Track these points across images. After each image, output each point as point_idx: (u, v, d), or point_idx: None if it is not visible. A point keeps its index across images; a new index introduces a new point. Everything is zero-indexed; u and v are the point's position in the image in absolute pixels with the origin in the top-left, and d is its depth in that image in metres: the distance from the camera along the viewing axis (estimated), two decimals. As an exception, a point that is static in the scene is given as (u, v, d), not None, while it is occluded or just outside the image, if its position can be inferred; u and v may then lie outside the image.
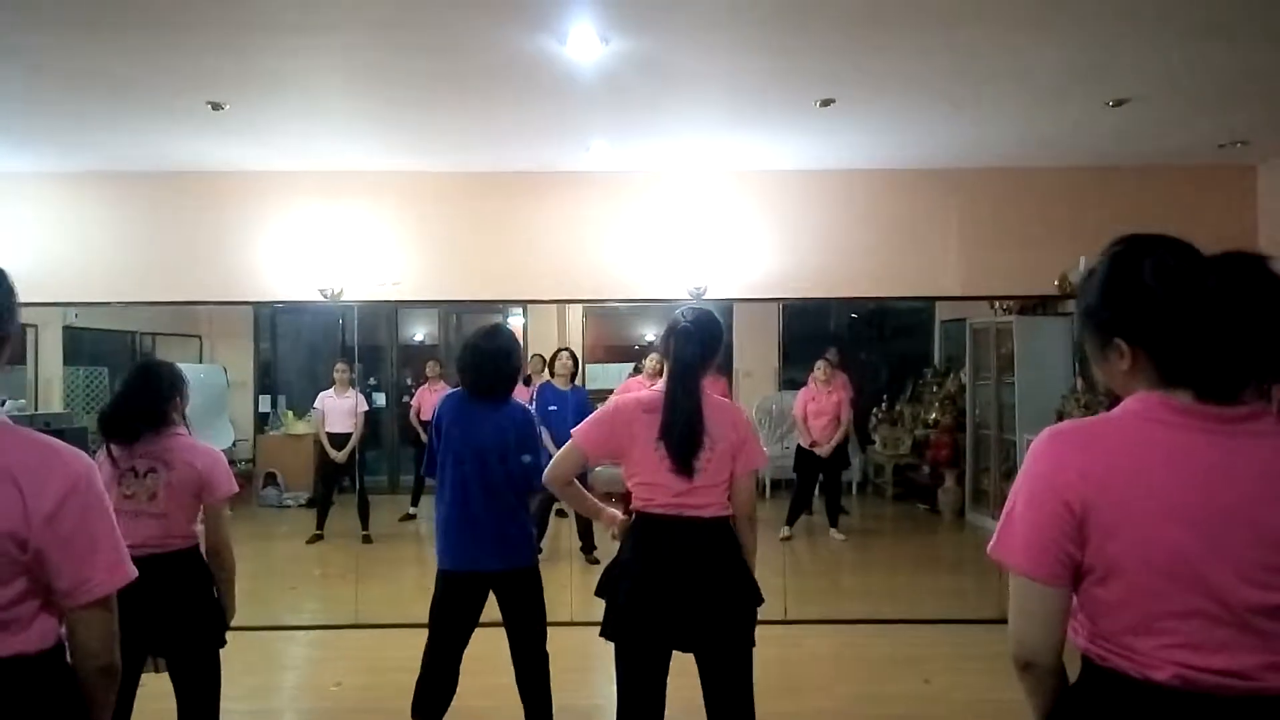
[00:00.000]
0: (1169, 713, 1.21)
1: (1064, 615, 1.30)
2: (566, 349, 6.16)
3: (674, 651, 2.55)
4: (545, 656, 3.37)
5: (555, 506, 6.17)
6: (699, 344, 2.54)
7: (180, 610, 2.65)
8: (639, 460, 2.52)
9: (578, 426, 2.64)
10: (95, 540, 1.41)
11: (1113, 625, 1.26)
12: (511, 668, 3.32)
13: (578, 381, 6.25)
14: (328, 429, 6.52)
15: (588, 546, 5.91)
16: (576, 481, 2.74)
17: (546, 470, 2.67)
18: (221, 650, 2.77)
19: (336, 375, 6.61)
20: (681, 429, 2.46)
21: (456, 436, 3.20)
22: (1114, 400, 1.38)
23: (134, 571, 1.47)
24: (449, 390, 3.46)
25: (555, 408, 5.88)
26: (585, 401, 5.91)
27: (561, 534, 6.31)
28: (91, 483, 1.42)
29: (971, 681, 4.20)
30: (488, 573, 3.25)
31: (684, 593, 2.46)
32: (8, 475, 1.34)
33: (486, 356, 3.20)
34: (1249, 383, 1.24)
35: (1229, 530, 1.19)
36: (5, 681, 1.37)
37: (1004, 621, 4.10)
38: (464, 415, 3.22)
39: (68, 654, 1.46)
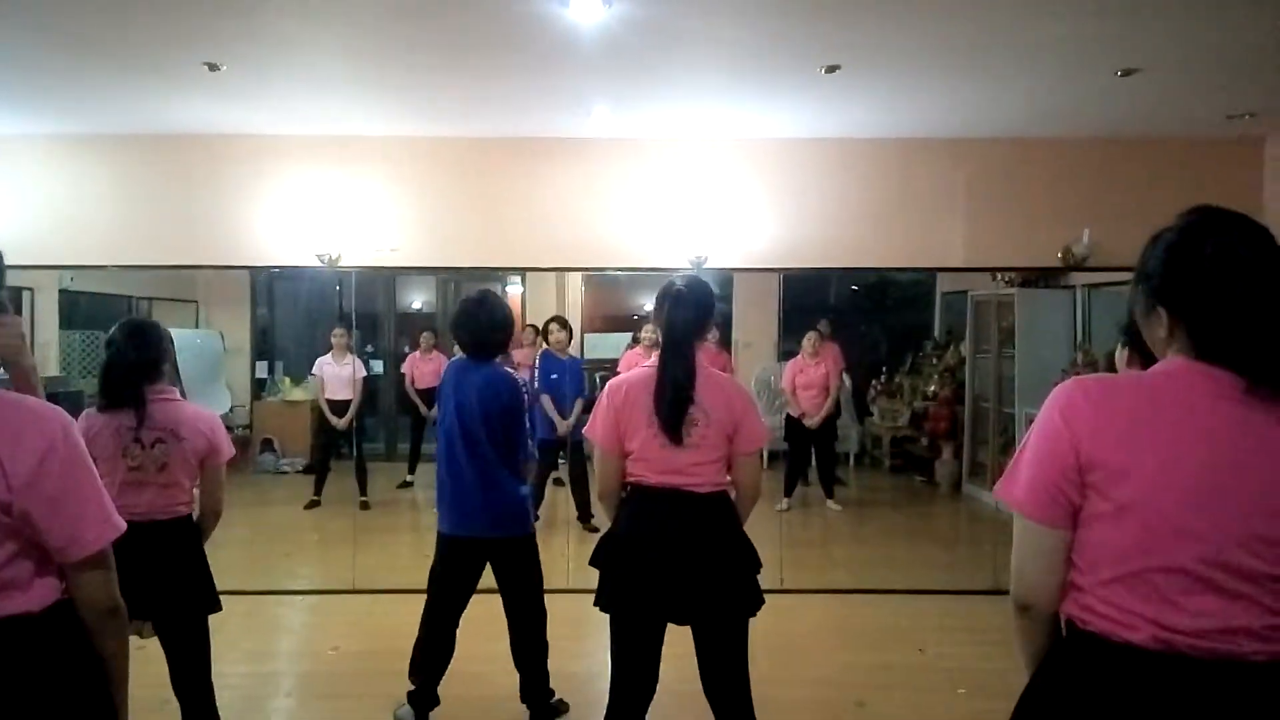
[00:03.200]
0: (1145, 674, 1.23)
1: (1063, 558, 1.33)
2: (555, 318, 6.13)
3: (671, 621, 2.55)
4: (542, 625, 3.40)
5: (553, 475, 6.19)
6: (692, 308, 2.52)
7: (178, 575, 2.65)
8: (632, 435, 2.51)
9: (589, 428, 2.60)
10: (82, 497, 1.40)
11: (1100, 575, 1.27)
12: (508, 634, 3.36)
13: (574, 351, 6.25)
14: (327, 396, 6.50)
15: (584, 515, 5.93)
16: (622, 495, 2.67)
17: (599, 486, 2.64)
18: (216, 614, 2.77)
19: (334, 341, 6.58)
20: (671, 395, 2.45)
21: (448, 399, 3.28)
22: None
23: (122, 524, 1.47)
24: (443, 359, 3.54)
25: (556, 375, 5.90)
26: (580, 370, 5.91)
27: (559, 502, 6.33)
28: (69, 437, 1.40)
29: (965, 651, 4.23)
30: (483, 539, 3.29)
31: (677, 567, 2.45)
32: None
33: (473, 317, 3.31)
34: None
35: (1229, 493, 1.20)
36: (12, 641, 1.37)
37: (998, 593, 4.17)
38: (457, 382, 3.30)
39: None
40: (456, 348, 3.44)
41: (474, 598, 3.46)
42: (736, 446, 2.51)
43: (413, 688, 3.43)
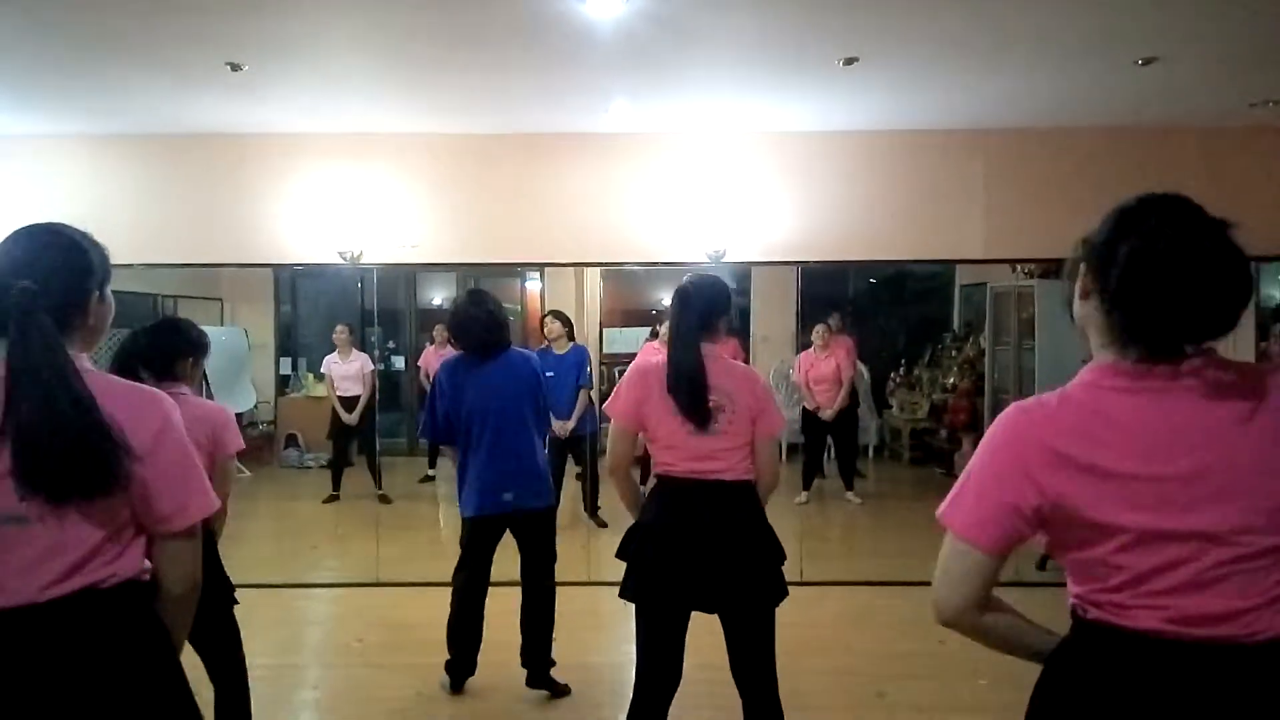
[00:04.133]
0: (1159, 662, 1.24)
1: (989, 584, 1.34)
2: (550, 312, 6.09)
3: (694, 611, 2.58)
4: (552, 593, 3.60)
5: (576, 471, 6.20)
6: (697, 310, 2.56)
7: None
8: (658, 423, 2.54)
9: (609, 404, 2.65)
10: (188, 470, 1.51)
11: (1099, 584, 1.28)
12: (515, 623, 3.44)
13: (581, 341, 6.23)
14: (338, 393, 6.60)
15: (591, 507, 5.96)
16: (633, 474, 2.76)
17: (606, 460, 2.68)
18: (240, 607, 2.82)
19: (336, 339, 6.67)
20: (687, 385, 2.49)
21: (470, 395, 3.45)
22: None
23: (218, 501, 1.58)
24: (440, 345, 3.67)
25: (552, 374, 5.81)
26: (584, 359, 5.86)
27: (578, 496, 6.36)
28: (176, 414, 1.52)
29: (986, 643, 4.23)
30: (512, 514, 3.50)
31: (706, 555, 2.48)
32: (110, 416, 1.41)
33: (475, 319, 3.49)
34: (1194, 340, 1.24)
35: (1194, 489, 1.20)
36: (111, 605, 1.44)
37: (1018, 584, 4.15)
38: (470, 375, 3.48)
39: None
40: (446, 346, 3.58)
41: (490, 591, 3.53)
42: (755, 432, 2.55)
43: (449, 657, 3.61)
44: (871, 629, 4.46)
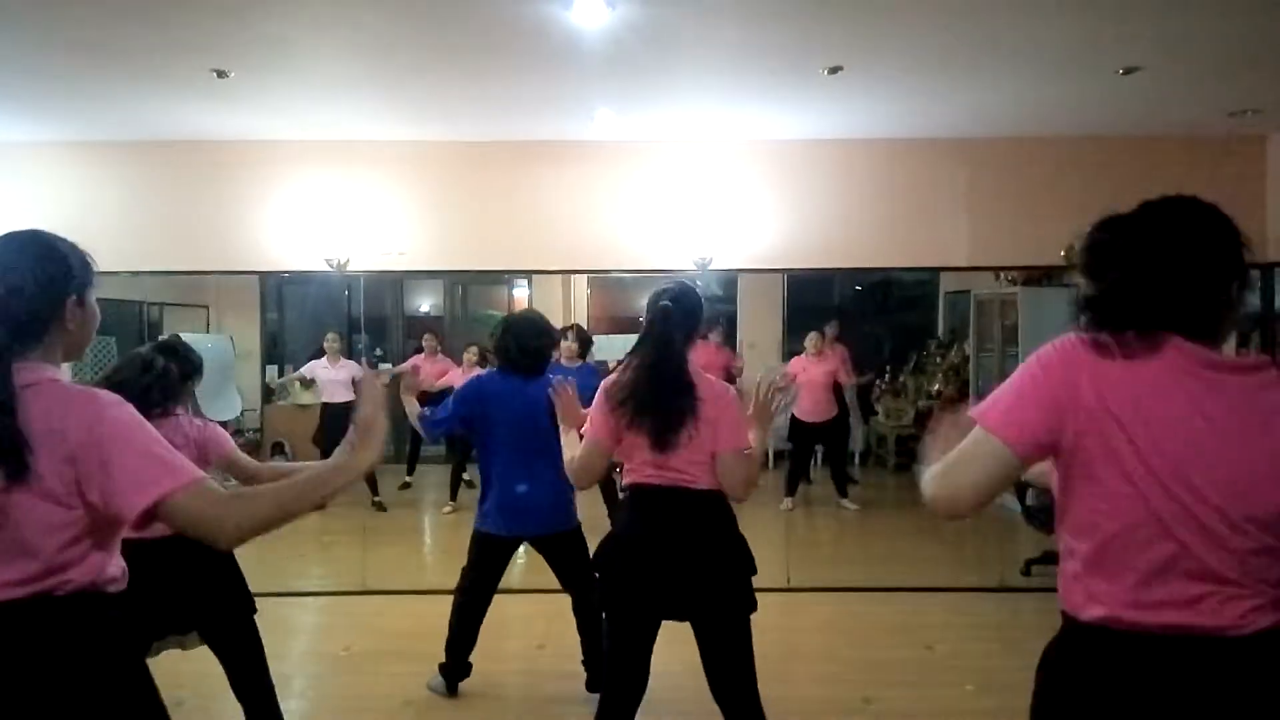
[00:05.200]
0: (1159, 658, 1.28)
1: (1002, 484, 1.38)
2: (571, 326, 6.10)
3: (667, 620, 2.58)
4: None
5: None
6: (681, 324, 2.53)
7: (208, 586, 2.68)
8: (629, 435, 2.53)
9: (587, 424, 2.63)
10: (135, 453, 1.44)
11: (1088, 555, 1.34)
12: (515, 633, 3.42)
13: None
14: (326, 398, 6.59)
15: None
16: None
17: (575, 475, 2.65)
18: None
19: (327, 346, 6.66)
20: (665, 413, 2.46)
21: (511, 414, 3.47)
22: None
23: (192, 472, 1.46)
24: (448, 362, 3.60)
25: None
26: (589, 380, 5.85)
27: (592, 502, 6.33)
28: (117, 412, 1.46)
29: (973, 648, 4.24)
30: (542, 536, 3.55)
31: (673, 562, 2.47)
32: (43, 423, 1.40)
33: (528, 337, 3.51)
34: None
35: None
36: (65, 612, 1.43)
37: (1005, 590, 4.18)
38: (513, 393, 3.47)
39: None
40: (471, 359, 3.54)
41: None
42: (716, 444, 2.50)
43: (447, 661, 3.62)
44: (858, 635, 4.47)
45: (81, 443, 1.39)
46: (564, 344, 5.92)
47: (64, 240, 1.58)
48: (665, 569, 2.48)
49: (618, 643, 2.57)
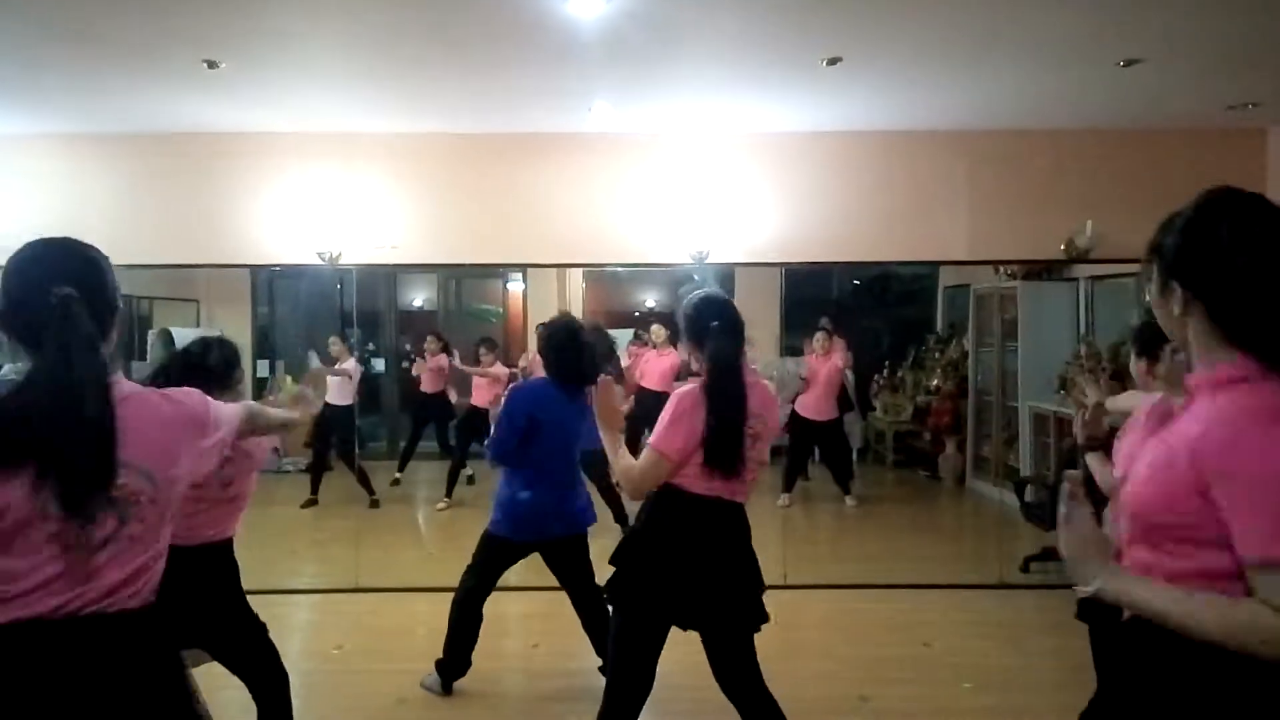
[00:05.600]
0: None
1: None
2: (595, 327, 6.05)
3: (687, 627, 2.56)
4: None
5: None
6: (737, 327, 2.52)
7: (215, 603, 2.61)
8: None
9: (665, 440, 2.42)
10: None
11: None
12: (510, 632, 3.38)
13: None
14: (331, 401, 6.57)
15: (620, 516, 5.78)
16: None
17: (639, 488, 2.47)
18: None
19: (334, 351, 6.64)
20: (729, 437, 2.41)
21: (562, 427, 3.47)
22: (1118, 369, 1.39)
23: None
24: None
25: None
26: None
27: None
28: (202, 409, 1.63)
29: (971, 645, 4.22)
30: (549, 540, 3.55)
31: (711, 574, 2.45)
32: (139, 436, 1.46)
33: (578, 351, 3.46)
34: None
35: None
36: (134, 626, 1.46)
37: (1003, 587, 4.14)
38: (563, 408, 3.46)
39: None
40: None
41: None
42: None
43: (445, 658, 3.60)
44: (856, 633, 4.44)
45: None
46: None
47: (98, 250, 1.55)
48: (689, 578, 2.45)
49: (636, 646, 2.52)
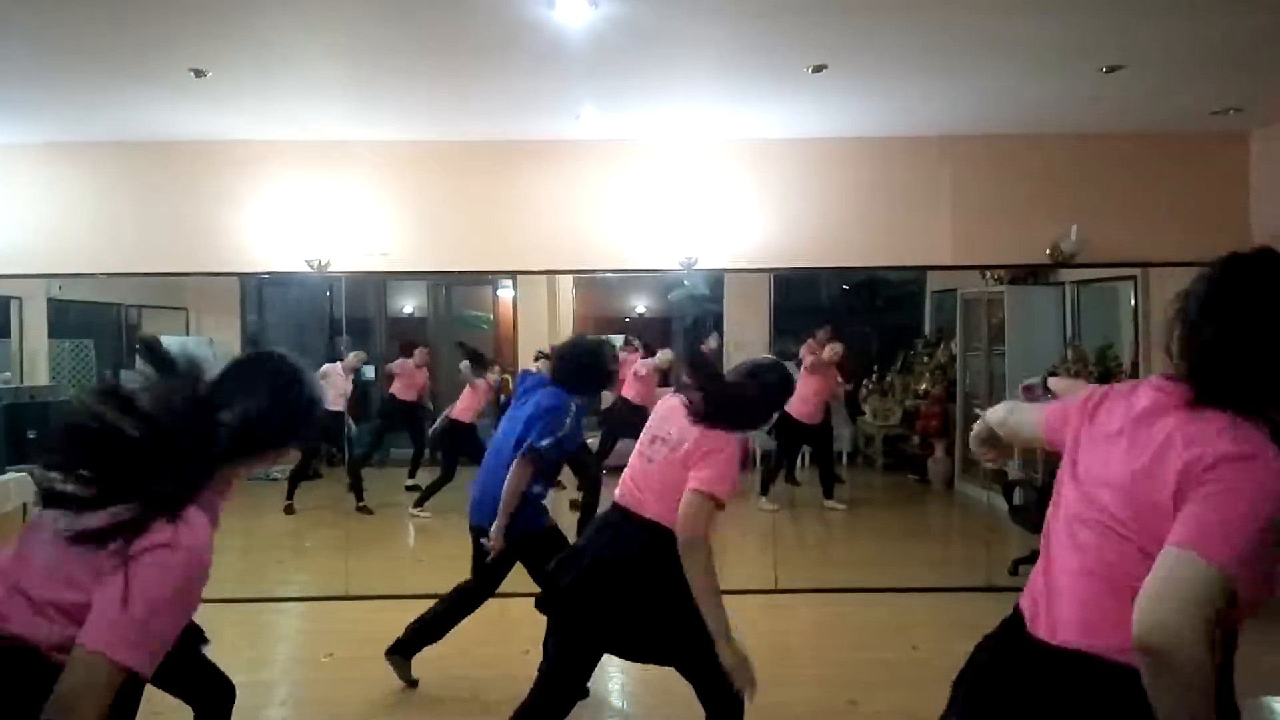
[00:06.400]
0: None
1: None
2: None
3: None
4: None
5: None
6: None
7: None
8: None
9: (730, 482, 2.43)
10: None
11: None
12: (498, 639, 3.39)
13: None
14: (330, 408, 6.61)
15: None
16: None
17: (694, 536, 2.40)
18: (211, 621, 2.74)
19: (355, 361, 6.68)
20: None
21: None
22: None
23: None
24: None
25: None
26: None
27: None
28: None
29: (958, 648, 4.19)
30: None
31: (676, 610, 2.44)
32: None
33: (600, 367, 3.68)
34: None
35: None
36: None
37: (991, 589, 4.15)
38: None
39: None
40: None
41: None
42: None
43: (408, 639, 3.70)
44: (844, 636, 4.45)
45: None
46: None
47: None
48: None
49: (581, 661, 2.58)
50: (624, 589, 2.46)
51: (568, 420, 3.49)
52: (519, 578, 3.91)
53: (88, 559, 1.37)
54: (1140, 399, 1.42)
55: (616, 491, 2.62)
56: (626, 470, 2.63)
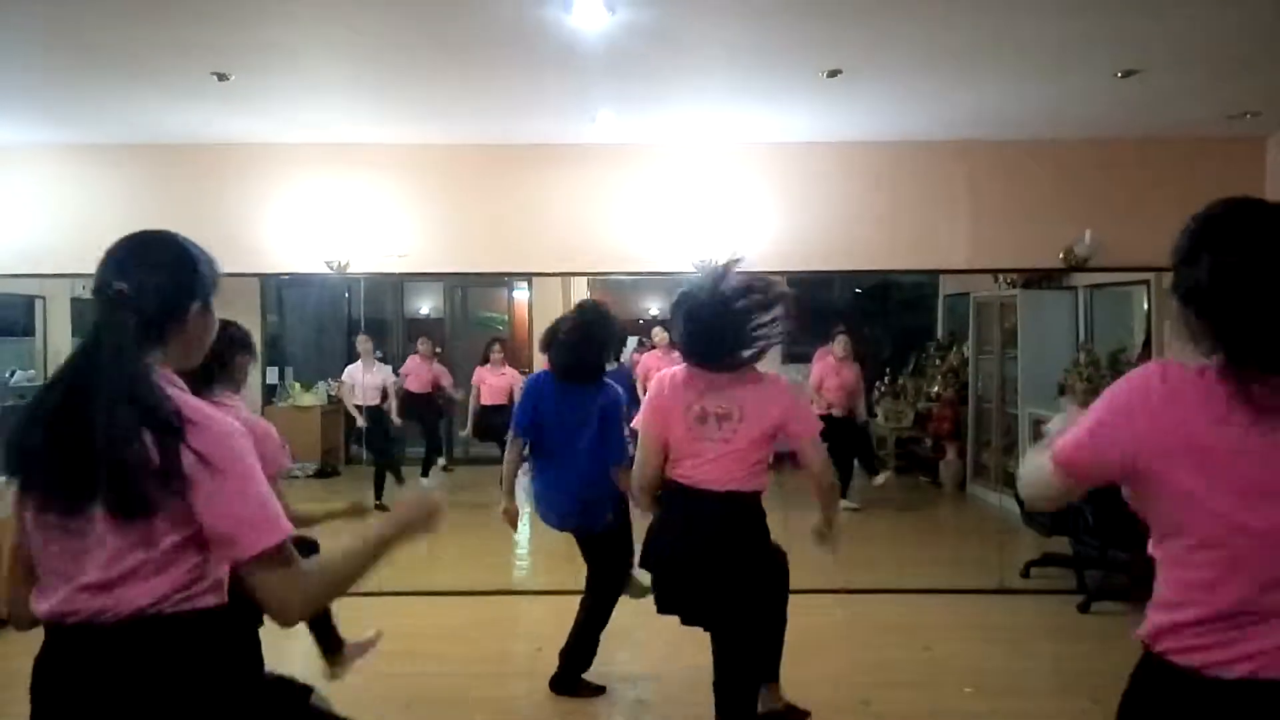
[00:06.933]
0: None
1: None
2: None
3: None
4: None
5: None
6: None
7: None
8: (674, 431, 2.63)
9: (639, 418, 2.75)
10: (248, 500, 1.42)
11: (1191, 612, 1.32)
12: (515, 635, 3.42)
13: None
14: (359, 402, 6.71)
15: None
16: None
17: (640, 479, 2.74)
18: None
19: (360, 349, 6.74)
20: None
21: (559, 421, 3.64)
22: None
23: (288, 526, 1.45)
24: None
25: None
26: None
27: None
28: (245, 446, 1.45)
29: (971, 650, 4.25)
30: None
31: (692, 569, 2.51)
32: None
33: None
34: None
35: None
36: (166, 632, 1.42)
37: (1004, 592, 4.19)
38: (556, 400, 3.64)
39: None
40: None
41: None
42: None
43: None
44: (857, 637, 4.48)
45: (210, 476, 1.37)
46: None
47: (196, 244, 1.58)
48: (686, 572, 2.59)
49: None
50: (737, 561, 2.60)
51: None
52: (526, 577, 3.95)
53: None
54: (1222, 392, 1.29)
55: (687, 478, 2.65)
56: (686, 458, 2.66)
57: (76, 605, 1.39)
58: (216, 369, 2.57)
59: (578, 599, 3.76)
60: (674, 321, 2.65)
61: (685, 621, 2.60)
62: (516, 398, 3.92)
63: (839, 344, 6.79)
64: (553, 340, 3.58)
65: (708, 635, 2.66)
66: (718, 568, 2.52)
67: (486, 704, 3.66)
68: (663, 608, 2.61)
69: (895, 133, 5.45)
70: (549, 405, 3.55)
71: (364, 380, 6.73)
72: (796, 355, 6.75)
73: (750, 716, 2.61)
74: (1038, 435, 6.46)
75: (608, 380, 3.66)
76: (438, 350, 7.31)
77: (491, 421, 6.63)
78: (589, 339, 3.56)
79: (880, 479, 6.99)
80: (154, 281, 1.46)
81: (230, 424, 1.42)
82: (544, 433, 3.57)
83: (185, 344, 1.52)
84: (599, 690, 3.65)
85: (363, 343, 6.74)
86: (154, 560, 1.38)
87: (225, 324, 2.73)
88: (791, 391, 2.71)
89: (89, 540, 1.37)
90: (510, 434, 3.62)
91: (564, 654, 3.65)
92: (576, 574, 3.88)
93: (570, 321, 3.60)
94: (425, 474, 7.25)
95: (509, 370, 6.88)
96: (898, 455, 7.94)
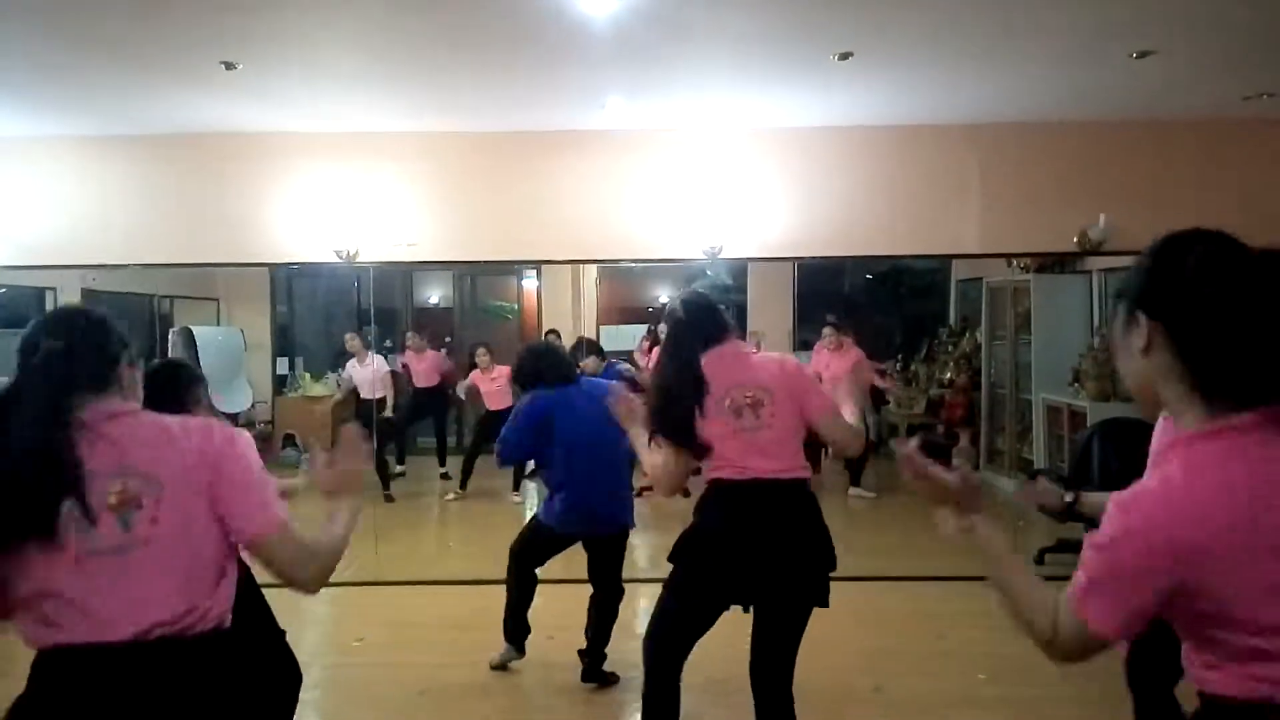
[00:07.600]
0: None
1: None
2: (580, 343, 6.20)
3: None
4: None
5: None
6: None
7: None
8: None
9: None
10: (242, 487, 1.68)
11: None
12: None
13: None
14: (365, 396, 6.78)
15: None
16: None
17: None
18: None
19: (349, 346, 6.77)
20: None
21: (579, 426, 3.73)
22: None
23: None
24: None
25: None
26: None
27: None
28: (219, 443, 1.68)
29: (985, 637, 4.24)
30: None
31: (754, 553, 2.54)
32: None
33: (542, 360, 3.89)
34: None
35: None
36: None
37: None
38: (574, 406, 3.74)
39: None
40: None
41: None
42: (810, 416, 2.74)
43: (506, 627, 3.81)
44: (870, 623, 4.47)
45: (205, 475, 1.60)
46: (584, 362, 6.00)
47: (107, 313, 1.74)
48: (745, 559, 2.58)
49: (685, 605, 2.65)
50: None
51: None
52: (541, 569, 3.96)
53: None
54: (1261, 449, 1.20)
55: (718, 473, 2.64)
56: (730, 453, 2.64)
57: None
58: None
59: (587, 587, 3.77)
60: (673, 323, 2.69)
61: (724, 604, 2.60)
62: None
63: (826, 337, 6.70)
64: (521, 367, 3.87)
65: (713, 623, 2.65)
66: (783, 546, 2.57)
67: (499, 691, 3.67)
68: (696, 592, 2.60)
69: (907, 116, 5.40)
70: (566, 422, 3.63)
71: (360, 375, 6.78)
72: (805, 342, 6.74)
73: (790, 697, 2.63)
74: (1051, 422, 6.44)
75: (607, 380, 3.91)
76: (447, 339, 7.31)
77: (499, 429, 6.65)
78: (550, 349, 4.09)
79: (861, 492, 6.93)
80: (85, 346, 1.63)
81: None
82: (573, 448, 3.63)
83: (122, 392, 1.67)
84: (614, 679, 3.69)
85: (350, 341, 6.79)
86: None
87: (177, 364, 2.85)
88: (804, 368, 2.71)
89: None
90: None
91: (585, 652, 3.72)
92: (584, 562, 3.89)
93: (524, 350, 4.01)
94: (442, 464, 7.28)
95: (498, 370, 6.86)
96: (910, 442, 7.91)
